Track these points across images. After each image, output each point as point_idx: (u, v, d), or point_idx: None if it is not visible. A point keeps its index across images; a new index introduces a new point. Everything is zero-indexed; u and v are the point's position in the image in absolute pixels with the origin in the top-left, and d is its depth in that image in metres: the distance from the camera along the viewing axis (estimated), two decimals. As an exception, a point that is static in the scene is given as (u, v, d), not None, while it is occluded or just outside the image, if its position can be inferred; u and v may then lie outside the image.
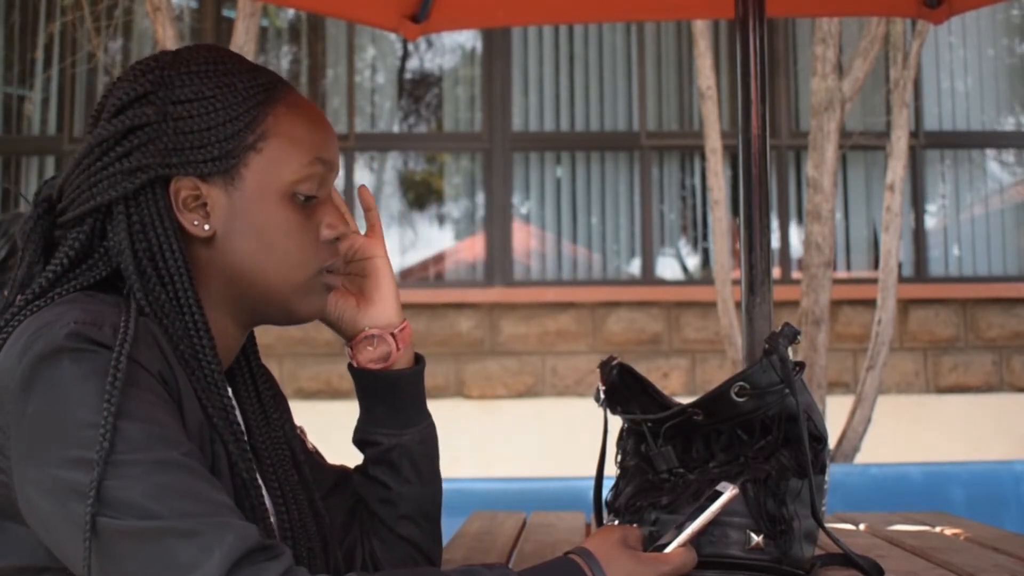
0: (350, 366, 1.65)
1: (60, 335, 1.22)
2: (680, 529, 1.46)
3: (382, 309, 1.63)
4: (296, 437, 1.61)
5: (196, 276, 1.40)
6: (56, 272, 1.35)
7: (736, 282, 3.16)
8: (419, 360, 1.68)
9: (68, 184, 1.40)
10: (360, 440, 1.68)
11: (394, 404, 1.64)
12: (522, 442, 7.68)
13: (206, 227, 1.40)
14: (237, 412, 1.43)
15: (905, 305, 8.01)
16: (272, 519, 1.44)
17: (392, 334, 1.62)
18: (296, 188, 1.43)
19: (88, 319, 1.25)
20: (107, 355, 1.22)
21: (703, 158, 6.86)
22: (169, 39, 5.68)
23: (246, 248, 1.42)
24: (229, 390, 1.41)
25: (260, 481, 1.44)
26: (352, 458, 1.70)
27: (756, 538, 1.56)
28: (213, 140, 1.39)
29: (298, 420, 1.66)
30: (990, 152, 8.91)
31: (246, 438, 1.43)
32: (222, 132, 1.39)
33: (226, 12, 8.40)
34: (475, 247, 8.60)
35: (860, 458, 6.13)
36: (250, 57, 5.85)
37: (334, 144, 1.51)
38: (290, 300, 1.46)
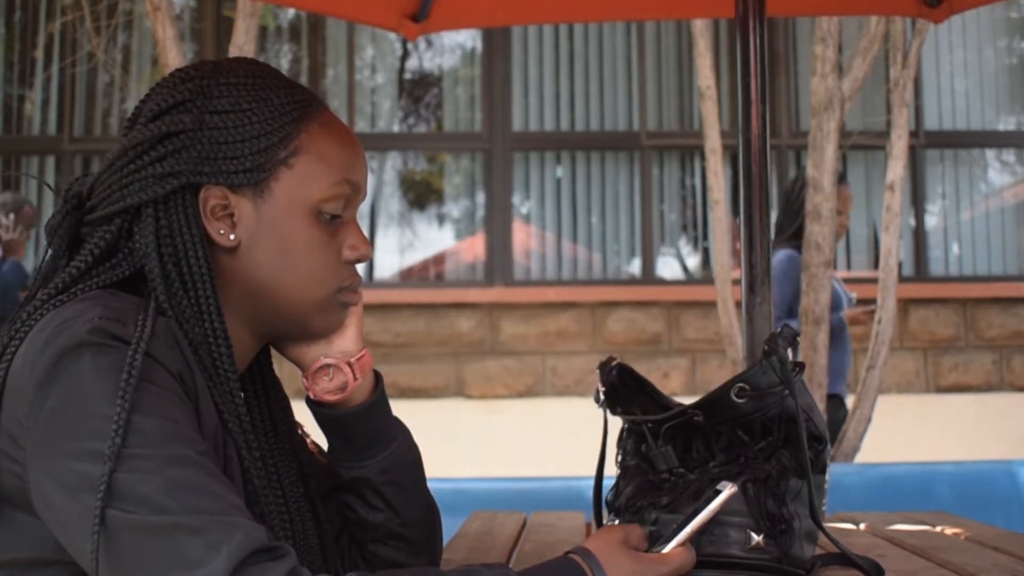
0: (307, 399, 1.58)
1: (83, 330, 1.24)
2: (680, 527, 1.46)
3: (342, 337, 1.56)
4: (301, 444, 1.61)
5: (218, 284, 1.41)
6: (80, 268, 1.37)
7: (736, 282, 3.16)
8: (378, 383, 1.62)
9: (99, 183, 1.42)
10: (329, 465, 1.66)
11: (350, 439, 1.60)
12: (522, 442, 7.68)
13: (231, 237, 1.42)
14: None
15: (905, 305, 8.01)
16: (275, 525, 1.44)
17: (349, 363, 1.55)
18: (322, 206, 1.45)
19: (111, 315, 1.27)
20: (128, 351, 1.23)
21: (703, 158, 6.86)
22: (169, 39, 5.67)
23: (268, 261, 1.43)
24: (241, 396, 1.42)
25: (267, 488, 1.44)
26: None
27: (756, 538, 1.56)
28: (246, 152, 1.40)
29: (298, 420, 1.66)
30: (990, 152, 8.92)
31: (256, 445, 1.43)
32: (255, 145, 1.41)
33: (226, 12, 8.40)
34: (475, 247, 8.60)
35: (860, 457, 6.12)
36: (251, 57, 5.85)
37: (363, 167, 1.52)
38: (307, 316, 1.47)
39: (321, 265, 1.46)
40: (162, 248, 1.38)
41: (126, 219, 1.40)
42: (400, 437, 1.63)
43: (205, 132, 1.40)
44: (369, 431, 1.60)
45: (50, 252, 1.43)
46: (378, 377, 1.63)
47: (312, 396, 1.57)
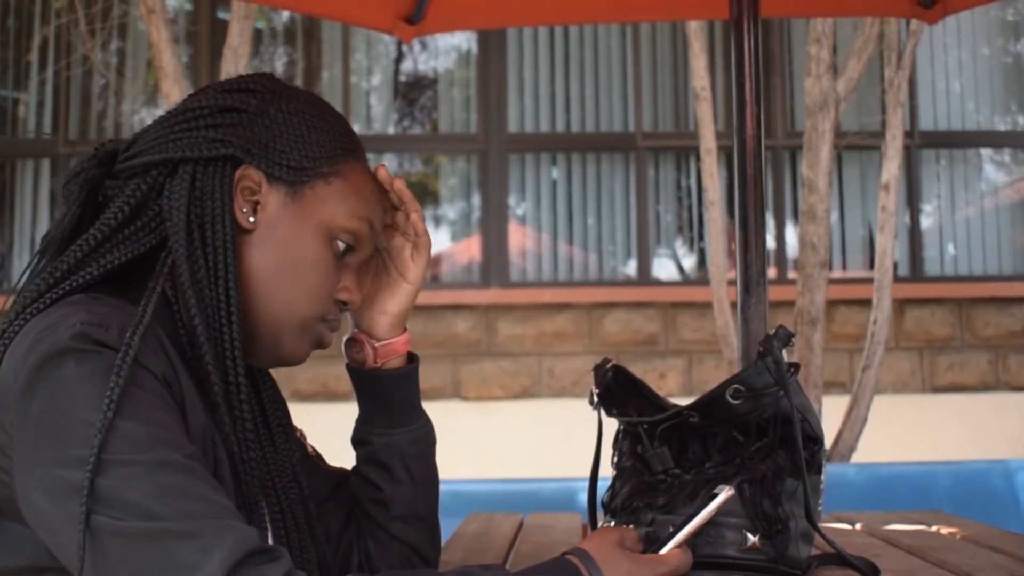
0: (347, 363, 1.68)
1: (66, 336, 1.22)
2: (676, 530, 1.47)
3: (380, 320, 1.65)
4: (296, 444, 1.61)
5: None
6: (104, 231, 1.37)
7: (732, 282, 3.17)
8: (412, 360, 1.68)
9: (146, 133, 1.45)
10: (355, 439, 1.70)
11: (384, 403, 1.66)
12: (519, 443, 7.68)
13: (251, 219, 1.43)
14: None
15: (901, 304, 8.02)
16: (268, 529, 1.44)
17: (374, 346, 1.64)
18: (341, 233, 1.48)
19: (94, 320, 1.25)
20: (112, 356, 1.22)
21: (699, 159, 6.87)
22: (163, 41, 5.68)
23: (274, 258, 1.45)
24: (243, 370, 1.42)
25: (259, 490, 1.44)
26: (350, 460, 1.71)
27: (752, 538, 1.56)
28: (296, 152, 1.45)
29: (295, 423, 1.66)
30: (985, 151, 8.92)
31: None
32: (306, 150, 1.46)
33: (221, 14, 8.40)
34: (471, 248, 8.60)
35: (856, 457, 6.14)
36: (245, 59, 5.87)
37: (382, 222, 1.59)
38: (284, 331, 1.47)
39: (318, 285, 1.47)
40: (191, 207, 1.39)
41: (163, 172, 1.41)
42: (427, 418, 1.71)
43: (265, 120, 1.45)
44: (403, 397, 1.67)
45: (70, 210, 1.42)
46: (414, 357, 1.69)
47: (346, 359, 1.67)
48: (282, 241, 1.44)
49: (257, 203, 1.44)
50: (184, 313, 1.38)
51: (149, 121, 1.51)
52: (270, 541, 1.43)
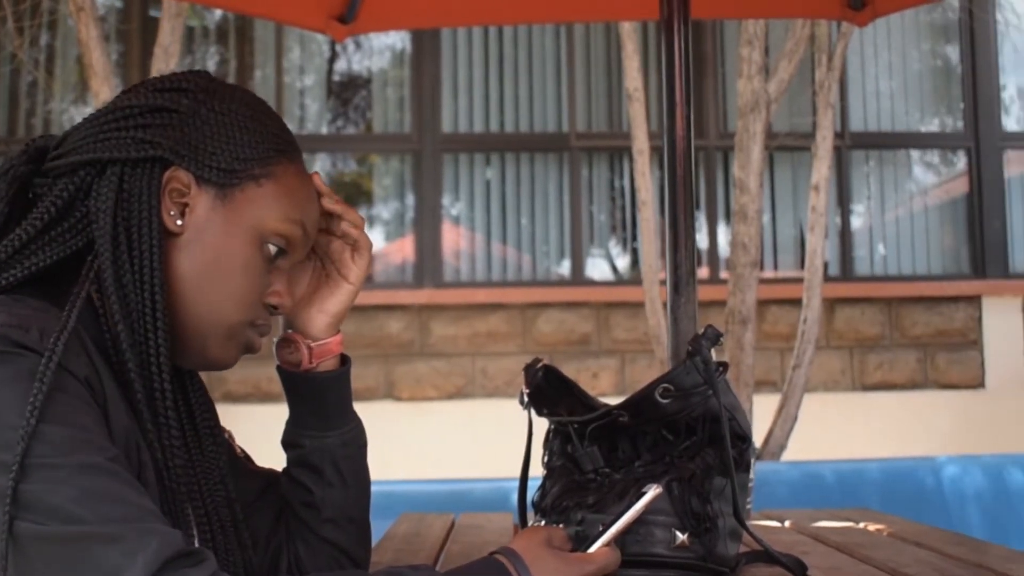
0: (278, 364, 1.65)
1: None
2: (604, 529, 1.48)
3: (317, 319, 1.63)
4: (224, 446, 1.60)
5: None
6: (30, 232, 1.35)
7: (664, 282, 3.19)
8: (345, 362, 1.67)
9: (76, 131, 1.42)
10: (286, 442, 1.68)
11: (316, 406, 1.64)
12: (452, 443, 7.67)
13: (178, 223, 1.41)
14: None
15: (831, 304, 8.10)
16: (194, 533, 1.43)
17: (308, 345, 1.61)
18: (272, 237, 1.46)
19: (14, 322, 1.23)
20: (33, 359, 1.20)
21: (631, 159, 6.90)
22: (93, 39, 5.62)
23: (202, 261, 1.42)
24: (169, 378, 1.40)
25: (185, 493, 1.43)
26: (281, 461, 1.70)
27: (681, 536, 1.57)
28: (226, 153, 1.42)
29: (226, 424, 1.65)
30: (914, 153, 9.02)
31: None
32: (237, 152, 1.43)
33: (152, 12, 8.32)
34: (405, 249, 8.58)
35: (787, 455, 6.19)
36: (176, 58, 5.82)
37: (316, 224, 1.56)
38: (211, 337, 1.45)
39: (246, 289, 1.45)
40: (118, 210, 1.37)
41: (91, 173, 1.39)
42: (358, 420, 1.69)
43: (196, 121, 1.42)
44: (335, 399, 1.65)
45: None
46: (346, 359, 1.67)
47: (278, 361, 1.64)
48: (210, 245, 1.42)
49: (186, 206, 1.41)
50: (109, 318, 1.36)
51: (78, 119, 1.49)
52: (196, 544, 1.42)
